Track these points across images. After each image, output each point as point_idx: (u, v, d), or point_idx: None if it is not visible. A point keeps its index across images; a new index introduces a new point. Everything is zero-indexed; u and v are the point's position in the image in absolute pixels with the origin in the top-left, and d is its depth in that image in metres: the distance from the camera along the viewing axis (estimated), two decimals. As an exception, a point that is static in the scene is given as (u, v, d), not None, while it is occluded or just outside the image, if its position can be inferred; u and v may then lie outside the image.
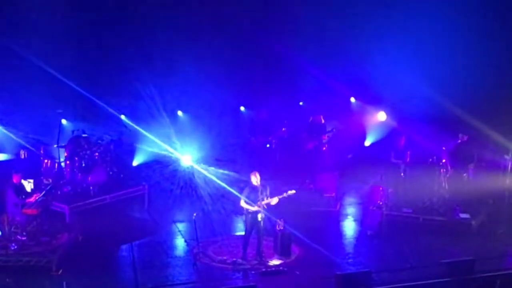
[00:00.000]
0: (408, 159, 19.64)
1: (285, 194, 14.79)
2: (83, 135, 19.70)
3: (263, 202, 14.63)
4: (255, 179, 14.72)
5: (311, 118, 22.77)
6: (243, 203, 14.77)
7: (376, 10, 22.17)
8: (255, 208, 14.65)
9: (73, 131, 19.81)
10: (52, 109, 20.79)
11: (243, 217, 15.17)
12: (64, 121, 21.06)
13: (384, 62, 21.71)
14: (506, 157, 20.00)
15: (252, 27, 22.27)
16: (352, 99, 25.04)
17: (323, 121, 22.40)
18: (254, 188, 14.75)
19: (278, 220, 15.42)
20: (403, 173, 19.67)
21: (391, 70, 21.52)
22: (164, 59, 21.45)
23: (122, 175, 20.09)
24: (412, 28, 21.59)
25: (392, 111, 23.34)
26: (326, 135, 22.30)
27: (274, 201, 14.75)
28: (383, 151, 21.16)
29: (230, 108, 23.77)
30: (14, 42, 19.75)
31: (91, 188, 18.69)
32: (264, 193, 14.69)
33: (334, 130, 22.38)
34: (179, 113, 23.72)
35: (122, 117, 22.98)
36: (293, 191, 14.90)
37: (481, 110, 20.55)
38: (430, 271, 13.95)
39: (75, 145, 19.31)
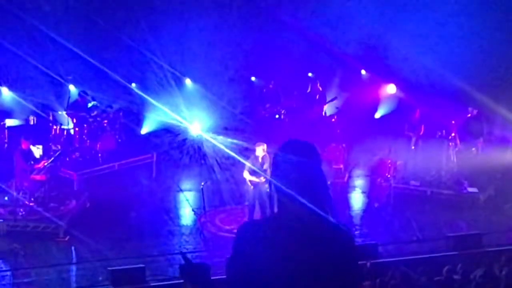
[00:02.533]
0: (422, 132, 19.56)
1: None
2: (93, 102, 19.70)
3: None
4: (260, 151, 14.64)
5: (309, 88, 22.48)
6: (245, 174, 14.73)
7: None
8: (258, 180, 14.61)
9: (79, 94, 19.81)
10: (62, 76, 20.72)
11: (245, 187, 15.06)
12: (73, 88, 21.00)
13: (396, 35, 21.52)
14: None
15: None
16: (363, 72, 24.83)
17: (320, 88, 22.07)
18: (256, 159, 14.69)
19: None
20: (414, 146, 19.60)
21: (403, 44, 21.33)
22: (173, 28, 21.30)
23: (130, 143, 20.08)
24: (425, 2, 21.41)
25: (403, 84, 23.16)
26: (327, 103, 21.99)
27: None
28: (393, 123, 21.05)
29: (240, 78, 23.61)
30: (24, 8, 19.68)
31: (99, 155, 18.73)
32: (265, 165, 14.58)
33: (336, 98, 22.06)
34: (188, 81, 23.62)
35: (133, 85, 22.94)
36: None
37: (491, 84, 20.39)
38: (436, 245, 13.98)
39: (76, 109, 19.31)
